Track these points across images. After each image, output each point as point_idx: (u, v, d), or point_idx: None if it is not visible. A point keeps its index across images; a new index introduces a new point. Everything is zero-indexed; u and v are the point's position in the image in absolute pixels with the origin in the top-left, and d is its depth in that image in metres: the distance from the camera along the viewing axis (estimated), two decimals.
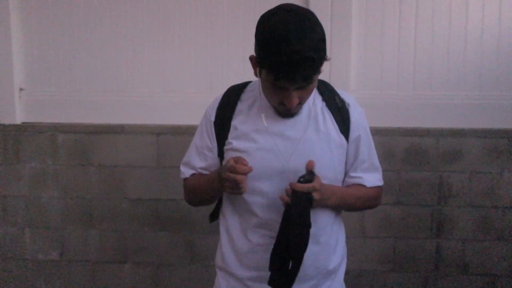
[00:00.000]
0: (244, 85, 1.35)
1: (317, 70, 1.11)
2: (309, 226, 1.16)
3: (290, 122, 1.25)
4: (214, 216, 1.45)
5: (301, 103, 1.19)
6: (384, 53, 2.41)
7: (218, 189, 1.26)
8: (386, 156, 2.39)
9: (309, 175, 1.17)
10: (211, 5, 2.46)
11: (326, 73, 2.35)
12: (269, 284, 1.18)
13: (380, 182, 1.39)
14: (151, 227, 2.56)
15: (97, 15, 2.51)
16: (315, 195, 1.17)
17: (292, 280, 1.17)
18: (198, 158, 1.38)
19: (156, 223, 2.55)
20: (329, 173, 1.27)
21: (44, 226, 2.61)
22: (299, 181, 1.16)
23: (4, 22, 2.51)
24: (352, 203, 1.34)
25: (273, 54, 1.07)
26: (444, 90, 2.39)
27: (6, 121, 2.57)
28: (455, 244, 2.43)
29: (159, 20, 2.49)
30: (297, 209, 1.14)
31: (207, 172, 1.37)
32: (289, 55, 1.05)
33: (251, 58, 1.20)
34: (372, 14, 2.39)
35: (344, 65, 2.37)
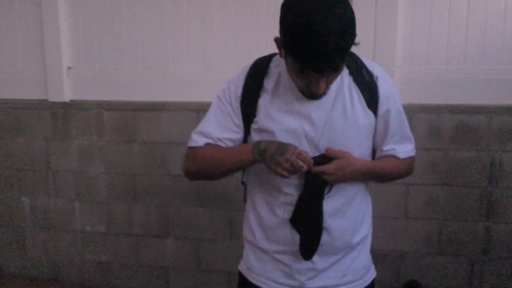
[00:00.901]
0: (269, 58, 1.29)
1: (345, 58, 1.06)
2: (320, 207, 1.21)
3: (316, 102, 1.21)
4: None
5: (328, 86, 1.15)
6: (433, 25, 2.27)
7: (248, 164, 1.23)
8: (433, 134, 2.28)
9: (322, 158, 1.19)
10: None
11: (370, 47, 2.26)
12: (299, 249, 1.26)
13: (412, 153, 1.35)
14: (192, 203, 2.60)
15: None
16: (329, 178, 1.19)
17: (312, 250, 1.24)
18: (218, 129, 1.28)
19: (197, 199, 2.59)
20: (357, 151, 1.25)
21: (92, 200, 2.72)
22: (315, 158, 1.17)
23: (52, 3, 2.59)
24: (383, 175, 1.32)
25: (299, 44, 1.02)
26: (498, 64, 2.24)
27: (55, 98, 2.68)
28: (506, 227, 2.31)
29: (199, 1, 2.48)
30: (309, 188, 1.19)
31: (223, 144, 1.29)
32: (316, 46, 1.00)
33: (276, 40, 1.15)
34: None
35: (390, 39, 2.27)
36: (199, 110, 2.51)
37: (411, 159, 1.35)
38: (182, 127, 2.54)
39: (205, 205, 2.59)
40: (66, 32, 2.65)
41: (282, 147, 1.15)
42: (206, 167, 1.29)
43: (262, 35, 2.45)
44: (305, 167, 1.13)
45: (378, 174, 1.28)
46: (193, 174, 1.33)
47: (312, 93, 1.16)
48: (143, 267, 2.72)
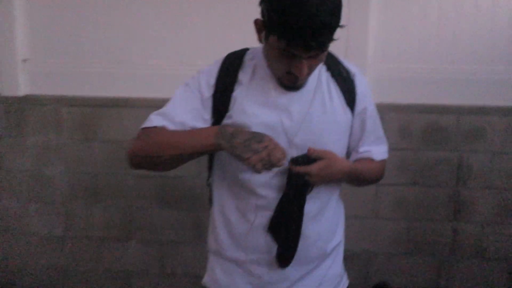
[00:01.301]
0: (243, 52, 1.22)
1: (332, 37, 1.02)
2: (301, 211, 1.14)
3: (295, 95, 1.15)
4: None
5: (309, 73, 1.09)
6: (406, 23, 2.26)
7: (207, 149, 1.08)
8: (403, 134, 2.27)
9: (304, 158, 1.12)
10: None
11: (342, 45, 2.21)
12: (276, 257, 1.18)
13: (386, 155, 1.32)
14: (157, 204, 2.49)
15: None
16: (312, 180, 1.12)
17: (290, 256, 1.16)
18: (183, 114, 1.14)
19: (162, 200, 2.48)
20: (336, 148, 1.19)
21: (49, 201, 2.56)
22: (293, 161, 1.11)
23: None
24: (361, 179, 1.27)
25: (288, 18, 0.96)
26: (468, 64, 2.25)
27: (8, 93, 2.50)
28: (474, 227, 2.32)
29: None
30: (291, 190, 1.12)
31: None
32: (306, 19, 0.95)
33: (256, 22, 1.09)
34: None
35: (362, 37, 2.23)
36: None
37: (384, 162, 1.32)
38: None
39: (170, 206, 2.48)
40: (22, 20, 2.46)
41: (258, 135, 1.05)
42: (155, 149, 1.10)
43: (236, 29, 2.35)
44: (282, 162, 1.05)
45: (357, 176, 1.24)
46: (138, 158, 1.15)
47: (292, 81, 1.10)
48: (104, 271, 2.59)
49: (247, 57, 1.21)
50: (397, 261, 2.38)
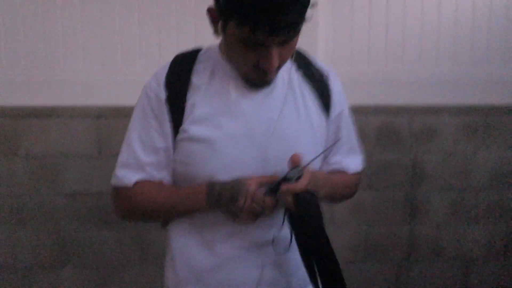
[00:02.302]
0: (195, 52, 1.04)
1: (304, 18, 0.86)
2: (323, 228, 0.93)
3: (262, 96, 0.98)
4: (168, 221, 1.12)
5: (279, 66, 0.92)
6: (354, 26, 2.20)
7: (202, 211, 0.97)
8: (358, 136, 2.19)
9: (295, 170, 0.91)
10: None
11: None
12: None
13: (361, 166, 1.17)
14: (93, 225, 2.22)
15: None
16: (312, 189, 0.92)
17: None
18: (146, 154, 0.99)
19: (99, 220, 2.22)
20: (310, 157, 1.02)
21: None
22: (287, 179, 0.90)
23: None
24: (339, 192, 1.12)
25: (247, 2, 0.80)
26: (417, 65, 2.23)
27: None
28: (429, 229, 2.30)
29: None
30: (307, 210, 0.90)
31: (158, 173, 1.01)
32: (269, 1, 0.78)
33: (210, 10, 0.91)
34: None
35: (311, 40, 2.13)
36: (99, 115, 2.15)
37: (359, 175, 1.16)
38: (78, 136, 2.16)
39: (109, 226, 2.22)
40: None
41: (234, 191, 0.90)
42: (145, 216, 1.06)
43: (172, 33, 2.16)
44: (266, 211, 0.89)
45: (333, 189, 1.07)
46: (131, 220, 1.13)
47: (260, 77, 0.92)
48: None
49: (201, 58, 1.02)
50: (354, 268, 2.30)
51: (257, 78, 0.94)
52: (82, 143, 2.17)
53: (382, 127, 2.21)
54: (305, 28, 2.30)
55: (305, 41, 2.06)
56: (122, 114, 2.13)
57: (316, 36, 2.15)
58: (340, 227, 2.27)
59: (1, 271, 2.24)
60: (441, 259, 2.33)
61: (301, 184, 0.88)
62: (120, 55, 2.18)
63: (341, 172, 1.12)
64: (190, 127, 0.96)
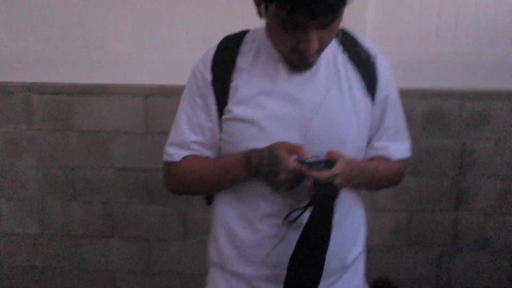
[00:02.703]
0: (242, 34, 1.06)
1: (344, 1, 0.85)
2: (331, 224, 0.93)
3: (306, 78, 0.98)
4: (212, 198, 1.17)
5: (320, 49, 0.91)
6: (404, 4, 2.11)
7: (242, 179, 1.00)
8: (404, 122, 2.13)
9: (324, 162, 0.92)
10: None
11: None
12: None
13: (408, 153, 1.14)
14: (140, 199, 2.31)
15: None
16: (339, 181, 0.91)
17: (319, 273, 0.95)
18: (192, 132, 1.04)
19: (146, 194, 2.31)
20: (356, 142, 1.03)
21: (22, 198, 2.36)
22: (312, 165, 0.90)
23: None
24: (379, 181, 1.10)
25: None
26: (472, 46, 2.12)
27: None
28: (476, 217, 2.22)
29: None
30: (319, 202, 0.90)
31: (204, 150, 1.06)
32: None
33: None
34: None
35: (359, 17, 2.07)
36: (147, 94, 2.21)
37: (405, 162, 1.14)
38: (127, 114, 2.23)
39: (155, 201, 2.31)
40: None
41: (273, 167, 0.91)
42: (192, 188, 1.09)
43: (219, 11, 2.17)
44: (308, 183, 0.89)
45: (372, 177, 1.06)
46: (179, 193, 1.16)
47: (301, 60, 0.93)
48: (84, 271, 2.41)
49: (247, 39, 1.04)
50: (396, 254, 2.27)
51: (297, 61, 0.94)
52: (131, 120, 2.24)
53: (431, 112, 2.14)
54: (353, 7, 2.25)
55: (353, 21, 2.03)
56: (169, 93, 2.18)
57: (364, 15, 2.08)
58: (383, 212, 2.23)
59: (55, 239, 2.39)
60: (487, 250, 2.25)
61: (323, 174, 0.88)
62: (168, 36, 2.22)
63: (385, 159, 1.09)
64: (234, 107, 0.99)
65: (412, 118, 2.14)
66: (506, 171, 2.17)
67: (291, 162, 0.90)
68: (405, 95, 2.09)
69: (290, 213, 0.96)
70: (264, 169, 0.93)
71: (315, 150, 0.96)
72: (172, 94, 2.16)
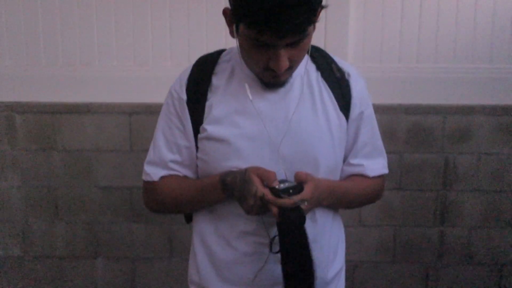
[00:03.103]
0: (217, 54, 1.07)
1: (312, 18, 0.84)
2: (306, 247, 0.93)
3: (279, 97, 0.99)
4: (191, 216, 1.17)
5: (292, 66, 0.92)
6: (386, 22, 2.15)
7: (219, 201, 1.01)
8: (386, 136, 2.14)
9: (293, 187, 0.92)
10: None
11: (321, 45, 2.08)
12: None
13: (385, 170, 1.14)
14: (125, 218, 2.29)
15: None
16: (307, 205, 0.91)
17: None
18: (170, 151, 1.05)
19: (130, 213, 2.28)
20: (330, 161, 1.03)
21: (4, 218, 2.32)
22: (279, 191, 0.90)
23: None
24: (352, 200, 1.10)
25: (252, 6, 0.81)
26: (451, 62, 2.16)
27: None
28: (460, 232, 2.24)
29: None
30: (288, 228, 0.91)
31: (182, 169, 1.07)
32: (273, 3, 0.78)
33: (225, 11, 0.93)
34: None
35: (341, 35, 2.11)
36: (131, 112, 2.20)
37: (382, 179, 1.14)
38: (112, 132, 2.22)
39: (140, 219, 2.28)
40: None
41: (243, 191, 0.92)
42: (170, 207, 1.10)
43: (203, 29, 2.19)
44: (274, 210, 0.88)
45: (343, 198, 1.06)
46: (158, 212, 1.17)
47: (273, 78, 0.93)
48: None
49: (222, 59, 1.05)
50: (383, 269, 2.27)
51: (269, 79, 0.95)
52: (115, 138, 2.23)
53: (414, 127, 2.16)
54: (335, 24, 2.29)
55: (335, 37, 2.07)
56: (153, 111, 2.17)
57: (346, 32, 2.11)
58: (369, 228, 2.24)
59: (39, 260, 2.35)
60: (473, 264, 2.26)
61: (287, 201, 0.88)
62: (152, 54, 2.23)
63: (361, 176, 1.09)
64: (209, 126, 0.99)
65: (396, 133, 2.16)
66: (489, 186, 2.19)
67: (260, 187, 0.91)
68: (388, 110, 2.13)
69: (270, 243, 0.96)
70: (236, 192, 0.94)
71: (289, 166, 0.96)
72: (157, 112, 2.10)
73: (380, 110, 2.11)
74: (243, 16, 0.84)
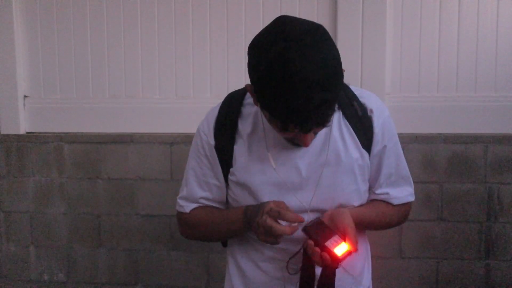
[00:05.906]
0: (243, 93, 1.09)
1: (334, 109, 0.88)
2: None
3: (303, 148, 1.02)
4: (227, 241, 1.23)
5: (315, 136, 0.97)
6: (423, 51, 2.15)
7: (241, 232, 1.07)
8: (426, 166, 2.12)
9: (315, 225, 0.97)
10: (230, 5, 2.25)
11: (357, 75, 2.11)
12: None
13: (411, 197, 1.14)
14: (164, 246, 2.33)
15: (105, 17, 2.33)
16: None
17: None
18: (200, 188, 1.12)
19: (170, 241, 2.33)
20: (355, 202, 1.07)
21: (50, 245, 2.41)
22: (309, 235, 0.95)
23: (7, 26, 2.34)
24: (373, 227, 1.14)
25: (276, 102, 0.83)
26: (491, 91, 2.12)
27: (10, 131, 2.40)
28: (508, 265, 2.14)
29: (173, 20, 2.29)
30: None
31: (212, 203, 1.13)
32: (297, 103, 0.81)
33: (247, 87, 0.94)
34: (409, 10, 2.13)
35: (378, 66, 2.12)
36: (172, 142, 2.28)
37: (408, 206, 1.15)
38: (153, 162, 2.30)
39: (179, 247, 2.32)
40: (23, 57, 2.39)
41: (257, 208, 0.98)
42: (201, 236, 1.18)
43: (242, 61, 2.26)
44: (280, 230, 0.93)
45: (369, 220, 1.09)
46: (191, 239, 1.25)
47: (297, 143, 0.98)
48: None
49: (247, 100, 1.08)
50: None
51: (294, 143, 0.99)
52: (156, 167, 2.30)
53: (454, 156, 2.12)
54: (372, 54, 2.30)
55: (372, 67, 2.08)
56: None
57: (383, 61, 2.12)
58: (409, 260, 2.18)
59: (81, 285, 2.41)
60: None
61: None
62: (192, 86, 2.31)
63: (385, 203, 1.11)
64: (237, 171, 1.05)
65: (435, 163, 2.12)
66: None
67: (271, 204, 0.96)
68: (428, 139, 2.11)
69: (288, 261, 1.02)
70: (254, 218, 0.98)
71: (316, 215, 1.02)
72: None
73: (419, 139, 2.11)
74: (267, 108, 0.87)
